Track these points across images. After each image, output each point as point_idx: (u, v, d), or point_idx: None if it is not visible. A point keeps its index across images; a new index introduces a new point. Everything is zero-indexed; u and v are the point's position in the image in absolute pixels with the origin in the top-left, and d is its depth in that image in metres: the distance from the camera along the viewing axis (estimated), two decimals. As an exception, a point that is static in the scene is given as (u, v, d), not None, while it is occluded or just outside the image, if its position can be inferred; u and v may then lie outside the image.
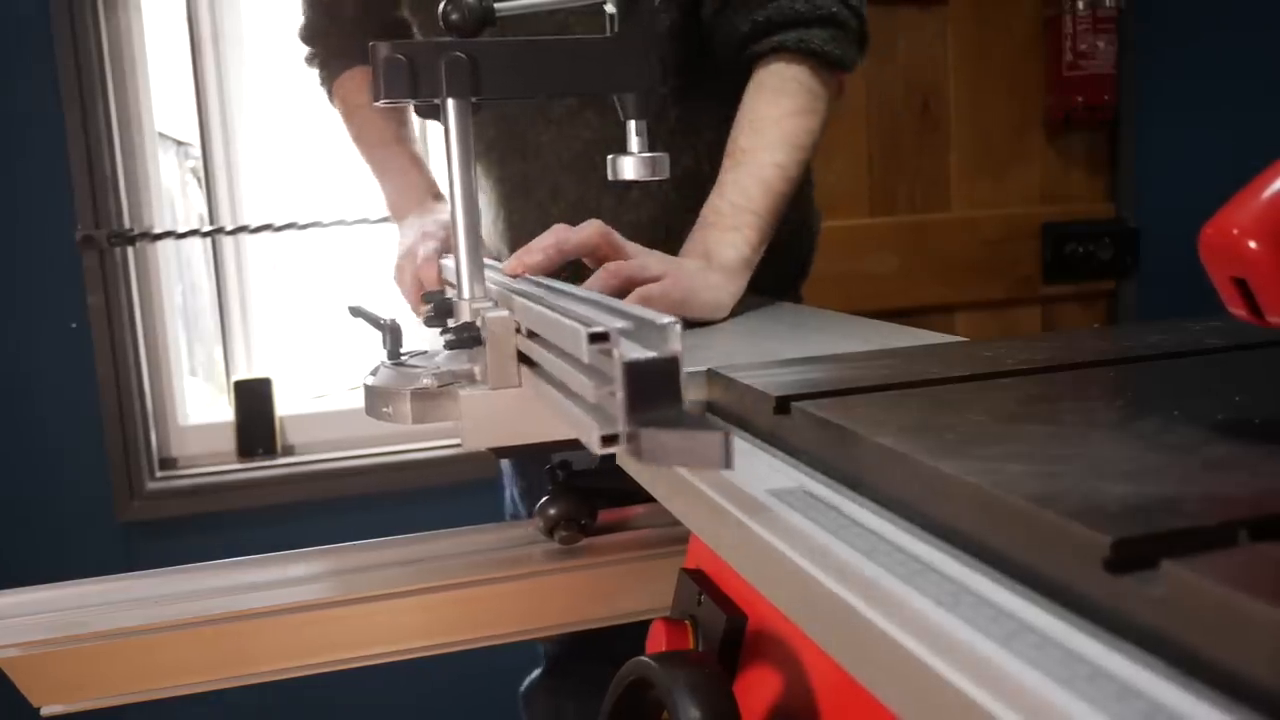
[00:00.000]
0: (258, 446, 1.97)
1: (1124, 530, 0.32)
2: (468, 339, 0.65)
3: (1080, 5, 2.13)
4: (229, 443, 1.98)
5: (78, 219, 1.83)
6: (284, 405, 2.03)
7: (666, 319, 0.43)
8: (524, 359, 0.62)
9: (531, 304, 0.58)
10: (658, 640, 0.58)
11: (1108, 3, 2.15)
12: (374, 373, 0.68)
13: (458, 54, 0.67)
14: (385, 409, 0.66)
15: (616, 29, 0.70)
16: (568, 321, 0.47)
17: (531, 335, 0.59)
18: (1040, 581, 0.35)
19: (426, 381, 0.64)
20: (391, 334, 0.70)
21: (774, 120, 1.01)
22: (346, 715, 2.01)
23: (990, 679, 0.30)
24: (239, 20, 2.05)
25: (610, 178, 0.75)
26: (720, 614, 0.55)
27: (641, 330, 0.44)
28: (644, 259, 0.89)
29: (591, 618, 0.84)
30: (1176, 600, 0.29)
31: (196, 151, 2.09)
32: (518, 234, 1.15)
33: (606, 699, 0.55)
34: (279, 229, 1.96)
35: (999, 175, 2.21)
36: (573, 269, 0.90)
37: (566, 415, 0.49)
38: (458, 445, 2.00)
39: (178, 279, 2.05)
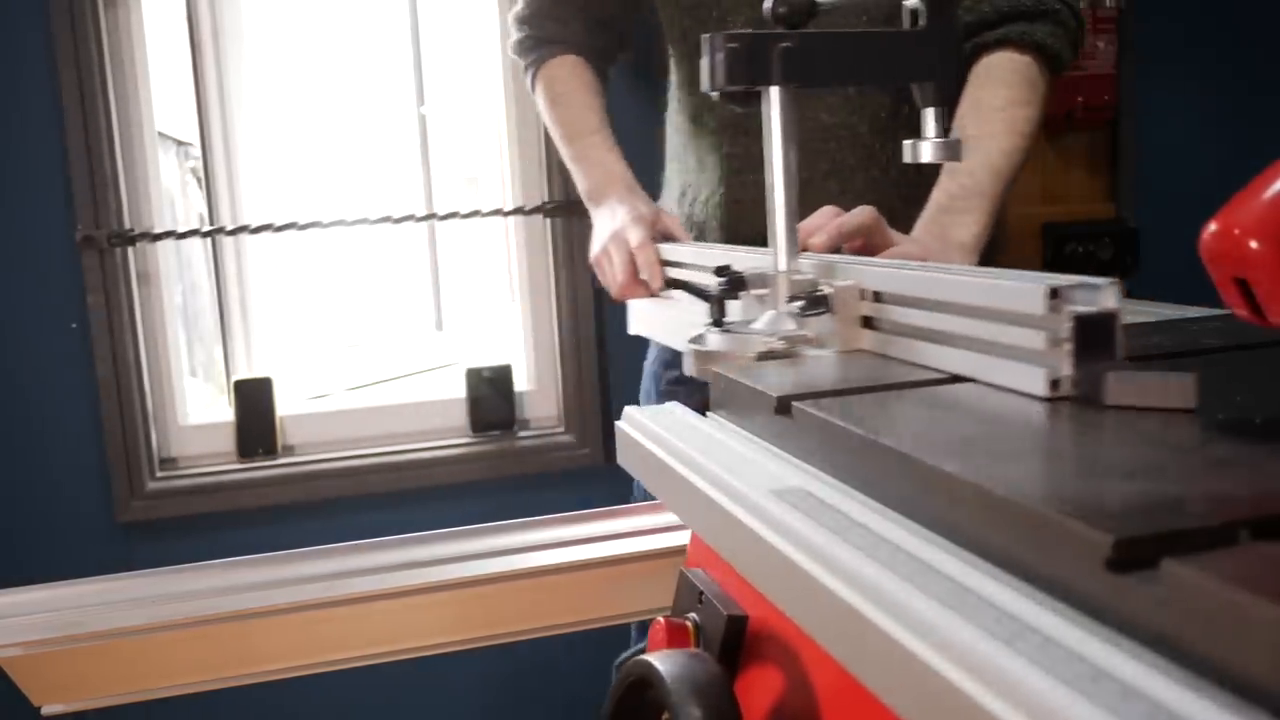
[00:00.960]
0: (258, 446, 1.97)
1: (1126, 530, 0.32)
2: (819, 306, 0.71)
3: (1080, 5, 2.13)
4: (229, 443, 1.98)
5: (78, 219, 1.83)
6: (284, 405, 2.03)
7: (1104, 281, 0.50)
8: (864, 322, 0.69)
9: (919, 272, 0.64)
10: (658, 640, 0.58)
11: (1108, 3, 2.15)
12: (698, 340, 0.74)
13: (788, 45, 0.72)
14: (714, 371, 0.71)
15: (923, 22, 0.75)
16: (1010, 282, 0.53)
17: (877, 299, 0.67)
18: (1042, 581, 0.35)
19: (774, 343, 0.70)
20: (718, 303, 0.76)
21: (998, 109, 1.07)
22: (347, 715, 2.01)
23: (992, 679, 0.30)
24: (239, 19, 2.05)
25: (907, 160, 0.79)
26: (721, 614, 0.55)
27: (1079, 289, 0.50)
28: (905, 246, 0.96)
29: (592, 618, 0.83)
30: (1178, 599, 0.29)
31: (196, 151, 2.09)
32: (739, 210, 1.20)
33: (607, 699, 0.55)
34: (279, 229, 1.96)
35: (999, 175, 2.21)
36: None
37: (981, 367, 0.55)
38: (458, 445, 2.01)
39: (178, 279, 2.05)
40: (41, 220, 1.85)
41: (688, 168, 1.27)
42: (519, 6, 1.35)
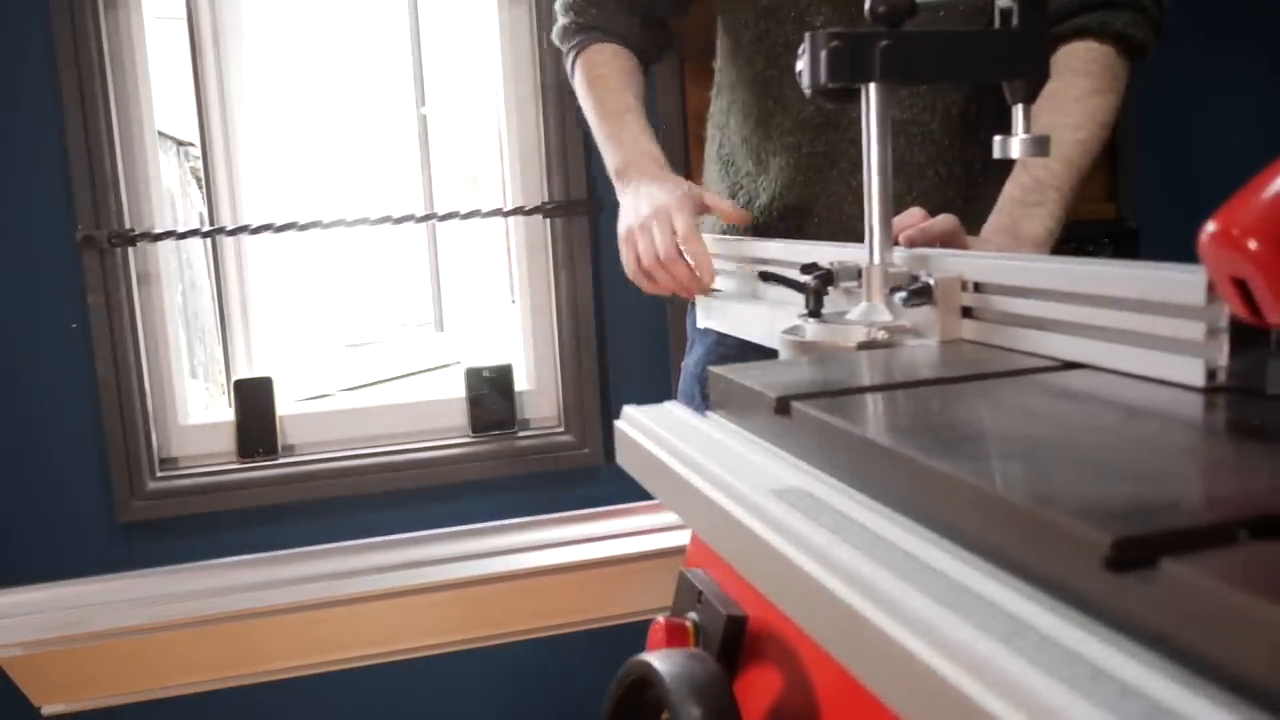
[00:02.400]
0: (258, 446, 1.97)
1: (1124, 529, 0.32)
2: (922, 296, 0.72)
3: (1080, 5, 2.13)
4: (229, 443, 1.98)
5: (78, 219, 1.83)
6: (284, 405, 2.03)
7: None
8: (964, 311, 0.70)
9: (1034, 263, 0.66)
10: (658, 640, 0.58)
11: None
12: (794, 330, 0.76)
13: (889, 43, 0.74)
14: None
15: (1015, 21, 0.76)
16: (1164, 273, 0.54)
17: (977, 289, 0.69)
18: (1041, 580, 0.35)
19: (876, 332, 0.72)
20: (815, 295, 0.78)
21: (1075, 98, 1.07)
22: (347, 715, 2.01)
23: (991, 678, 0.30)
24: (239, 19, 2.05)
25: (997, 155, 0.80)
26: (720, 613, 0.55)
27: None
28: (978, 249, 0.97)
29: (591, 617, 0.84)
30: (1176, 599, 0.29)
31: (196, 151, 2.09)
32: (811, 204, 1.20)
33: (607, 699, 0.55)
34: (279, 229, 1.96)
35: (999, 175, 2.21)
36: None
37: (1123, 357, 0.56)
38: (458, 445, 2.01)
39: (178, 279, 2.05)
40: (41, 220, 1.85)
41: (742, 171, 1.26)
42: None
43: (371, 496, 1.98)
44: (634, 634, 0.98)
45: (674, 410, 0.68)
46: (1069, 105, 1.07)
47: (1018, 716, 0.29)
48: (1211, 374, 0.50)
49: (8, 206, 1.84)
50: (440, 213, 2.09)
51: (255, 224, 1.98)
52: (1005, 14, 0.76)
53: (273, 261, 2.16)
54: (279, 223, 1.96)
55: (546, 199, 2.00)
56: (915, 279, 0.72)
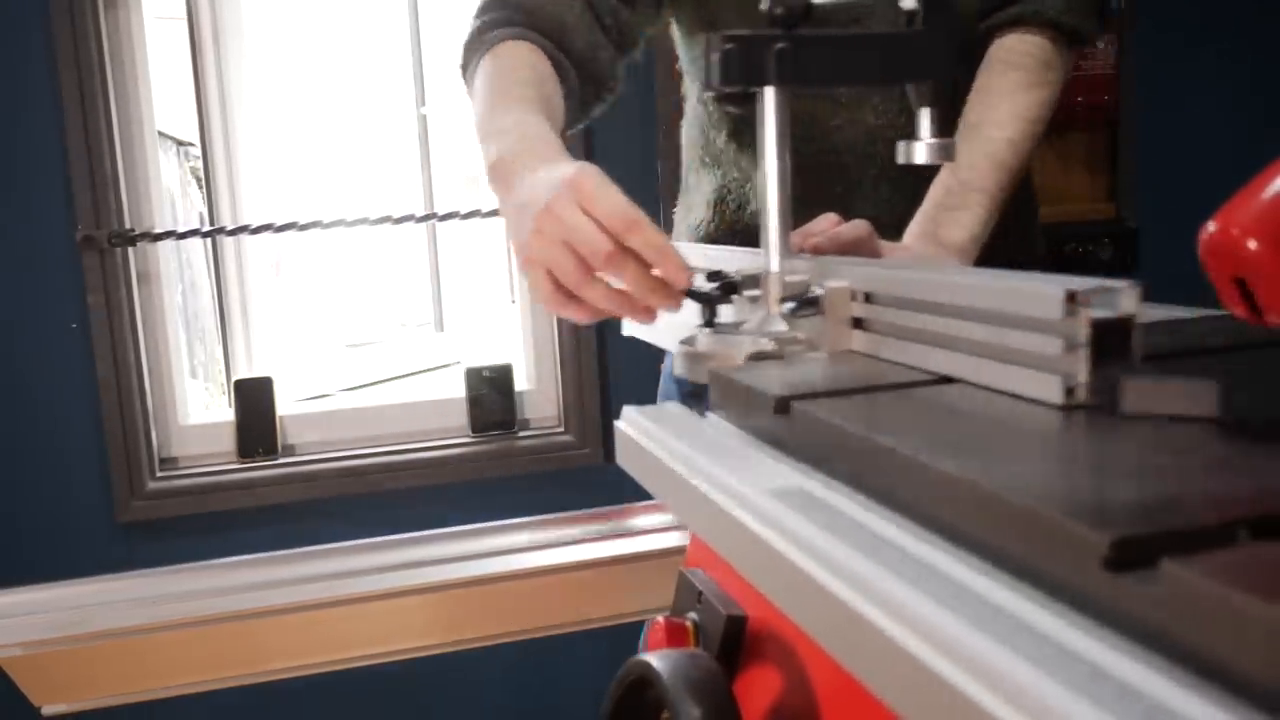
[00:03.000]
0: (258, 446, 1.97)
1: (1123, 529, 0.32)
2: (810, 306, 0.70)
3: (1080, 5, 2.13)
4: (229, 443, 1.98)
5: (78, 219, 1.83)
6: (284, 405, 2.03)
7: (1123, 283, 0.48)
8: (855, 323, 0.68)
9: (916, 274, 0.63)
10: (658, 640, 0.58)
11: (1108, 3, 2.15)
12: (690, 341, 0.73)
13: (785, 45, 0.72)
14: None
15: (920, 22, 0.74)
16: (1024, 285, 0.51)
17: (868, 299, 0.66)
18: (1040, 580, 0.35)
19: (764, 344, 0.69)
20: (709, 304, 0.75)
21: (1005, 93, 1.02)
22: (347, 715, 2.01)
23: (990, 678, 0.30)
24: (239, 19, 2.05)
25: (900, 161, 0.78)
26: (720, 613, 0.55)
27: (1098, 292, 0.48)
28: (893, 256, 0.92)
29: (591, 618, 0.84)
30: (1176, 599, 0.29)
31: (196, 151, 2.09)
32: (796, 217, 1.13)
33: (607, 699, 0.55)
34: (279, 229, 1.96)
35: (999, 175, 2.21)
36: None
37: (987, 372, 0.54)
38: (458, 445, 2.01)
39: (178, 279, 2.05)
40: (41, 220, 1.85)
41: (730, 174, 1.17)
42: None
43: (371, 496, 1.98)
44: (634, 634, 0.98)
45: (674, 410, 0.68)
46: (998, 102, 1.02)
47: (1017, 717, 0.29)
48: (1070, 391, 0.48)
49: (8, 206, 1.84)
50: (440, 213, 2.09)
51: (255, 224, 1.98)
52: (911, 16, 0.74)
53: (273, 261, 2.16)
54: (279, 223, 1.96)
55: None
56: (806, 289, 0.70)
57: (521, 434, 2.04)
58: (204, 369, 2.21)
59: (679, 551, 0.72)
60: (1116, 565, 0.31)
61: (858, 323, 0.68)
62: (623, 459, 0.67)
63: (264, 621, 0.76)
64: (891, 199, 1.08)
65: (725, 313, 0.77)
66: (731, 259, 0.83)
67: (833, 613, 0.38)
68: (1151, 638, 0.30)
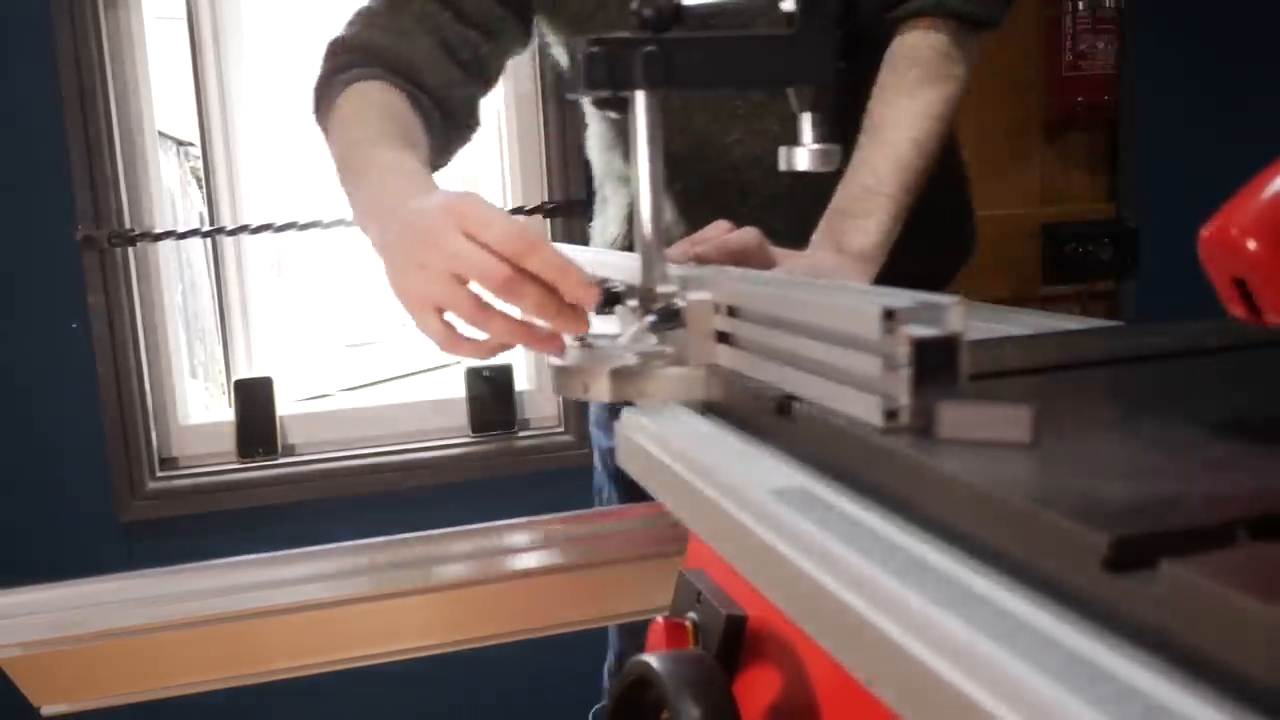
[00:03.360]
0: (258, 446, 1.97)
1: (1123, 529, 0.32)
2: (671, 320, 0.68)
3: (1080, 5, 2.13)
4: (229, 443, 1.98)
5: (78, 219, 1.83)
6: (284, 405, 2.03)
7: (949, 299, 0.45)
8: (720, 337, 0.65)
9: (765, 286, 0.61)
10: (658, 640, 0.58)
11: (1108, 3, 2.15)
12: (560, 354, 0.72)
13: (652, 48, 0.69)
14: (581, 387, 0.70)
15: (796, 24, 0.72)
16: (845, 301, 0.49)
17: (731, 314, 0.63)
18: (1040, 581, 0.35)
19: (628, 359, 0.67)
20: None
21: (907, 90, 0.99)
22: (347, 715, 2.01)
23: (990, 678, 0.30)
24: (239, 19, 2.05)
25: (782, 168, 0.76)
26: (720, 614, 0.55)
27: (922, 309, 0.46)
28: (788, 264, 0.88)
29: (591, 618, 0.83)
30: (1175, 599, 0.29)
31: (196, 151, 2.09)
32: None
33: (607, 699, 0.55)
34: (279, 229, 1.96)
35: (999, 175, 2.21)
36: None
37: (821, 391, 0.52)
38: (458, 445, 2.01)
39: (178, 279, 2.05)
40: (41, 220, 1.85)
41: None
42: (350, 33, 1.03)
43: (371, 496, 1.98)
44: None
45: (674, 411, 0.68)
46: (899, 100, 0.98)
47: (1016, 717, 0.29)
48: (891, 414, 0.45)
49: (8, 206, 1.84)
50: (440, 213, 2.09)
51: (255, 224, 1.98)
52: (790, 18, 0.72)
53: (273, 261, 2.16)
54: (279, 223, 1.96)
55: (546, 199, 2.00)
56: (674, 307, 0.68)
57: (521, 434, 2.04)
58: (204, 369, 2.21)
59: (679, 551, 0.72)
60: (1116, 565, 0.31)
61: (724, 337, 0.65)
62: (623, 459, 0.67)
63: (264, 621, 0.76)
64: (810, 210, 1.04)
65: (612, 324, 0.75)
66: (623, 264, 0.80)
67: (832, 613, 0.38)
68: (1151, 638, 0.30)
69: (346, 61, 1.00)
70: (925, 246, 0.99)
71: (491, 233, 0.67)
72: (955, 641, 0.32)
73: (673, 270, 0.73)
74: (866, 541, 0.40)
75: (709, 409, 0.66)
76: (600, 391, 0.69)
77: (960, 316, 0.45)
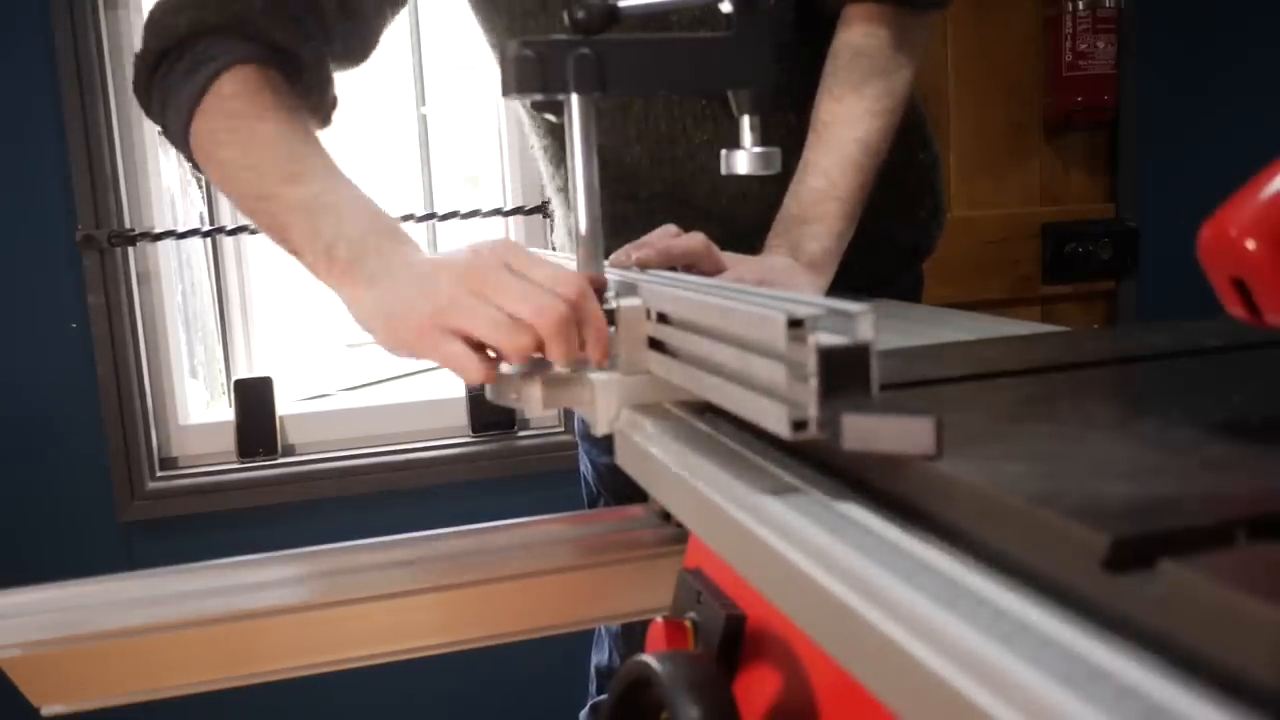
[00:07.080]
0: (258, 446, 1.97)
1: (1122, 529, 0.32)
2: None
3: (1080, 5, 2.13)
4: (229, 442, 1.98)
5: (78, 219, 1.83)
6: (284, 405, 2.03)
7: (859, 307, 0.44)
8: (653, 344, 0.64)
9: (689, 291, 0.59)
10: (657, 640, 0.58)
11: (1108, 3, 2.15)
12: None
13: (584, 51, 0.68)
14: (514, 396, 0.70)
15: (734, 27, 0.71)
16: (754, 309, 0.47)
17: (662, 320, 0.62)
18: (1039, 581, 0.35)
19: (558, 368, 0.66)
20: None
21: (854, 86, 0.96)
22: (347, 715, 2.01)
23: (989, 679, 0.30)
24: (239, 20, 2.05)
25: (724, 172, 0.75)
26: (720, 613, 0.55)
27: (832, 317, 0.45)
28: (739, 269, 0.87)
29: (591, 618, 0.83)
30: (1175, 599, 0.29)
31: (196, 151, 2.09)
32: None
33: (607, 699, 0.55)
34: (279, 229, 1.96)
35: (999, 175, 2.21)
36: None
37: (735, 400, 0.50)
38: (457, 445, 2.00)
39: (178, 279, 2.05)
40: (41, 220, 1.85)
41: (621, 213, 1.08)
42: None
43: (372, 496, 1.98)
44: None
45: (674, 411, 0.68)
46: (846, 95, 0.95)
47: (1016, 717, 0.29)
48: (798, 424, 0.44)
49: (8, 206, 1.84)
50: (440, 213, 2.09)
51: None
52: (729, 19, 0.71)
53: (273, 261, 2.16)
54: (279, 223, 1.96)
55: (546, 199, 2.00)
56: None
57: (521, 434, 2.04)
58: (204, 369, 2.21)
59: (679, 551, 0.72)
60: (1116, 565, 0.31)
61: (656, 344, 0.64)
62: (622, 459, 0.67)
63: (264, 621, 0.76)
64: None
65: None
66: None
67: (832, 613, 0.38)
68: (1151, 638, 0.30)
69: (206, 54, 0.92)
70: (898, 209, 0.98)
71: (541, 273, 0.66)
72: (955, 641, 0.32)
73: (610, 276, 0.72)
74: (866, 541, 0.40)
75: (708, 409, 0.66)
76: (532, 399, 0.68)
77: (870, 325, 0.43)
